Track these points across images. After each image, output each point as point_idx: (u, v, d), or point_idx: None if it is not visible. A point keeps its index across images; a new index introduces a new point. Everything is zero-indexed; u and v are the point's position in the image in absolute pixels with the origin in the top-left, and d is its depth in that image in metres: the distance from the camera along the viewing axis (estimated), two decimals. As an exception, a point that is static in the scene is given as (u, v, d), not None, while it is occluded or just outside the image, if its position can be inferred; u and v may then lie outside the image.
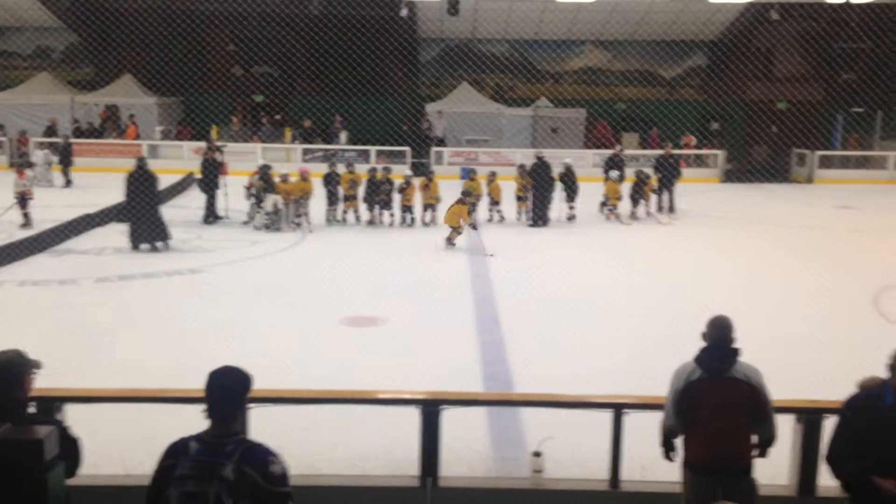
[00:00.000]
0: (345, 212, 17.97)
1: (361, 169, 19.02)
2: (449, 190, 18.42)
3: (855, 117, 28.73)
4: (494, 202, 18.40)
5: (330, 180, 17.88)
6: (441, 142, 28.04)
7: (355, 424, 6.65)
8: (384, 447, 6.28)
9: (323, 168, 18.91)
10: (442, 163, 26.36)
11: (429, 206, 17.88)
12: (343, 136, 28.08)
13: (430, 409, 5.20)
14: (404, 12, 26.12)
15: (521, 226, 18.03)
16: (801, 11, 27.01)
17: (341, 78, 28.87)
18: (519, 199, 18.48)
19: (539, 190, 17.93)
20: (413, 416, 5.25)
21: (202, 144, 20.68)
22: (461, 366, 8.71)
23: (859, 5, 25.85)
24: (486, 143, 28.11)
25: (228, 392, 3.36)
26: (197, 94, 29.00)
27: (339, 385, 6.79)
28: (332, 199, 17.82)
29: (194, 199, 19.11)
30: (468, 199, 16.18)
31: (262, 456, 3.28)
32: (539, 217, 17.92)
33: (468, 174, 19.09)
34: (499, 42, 30.85)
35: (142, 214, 14.57)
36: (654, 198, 19.41)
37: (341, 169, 18.29)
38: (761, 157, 30.11)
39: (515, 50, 31.14)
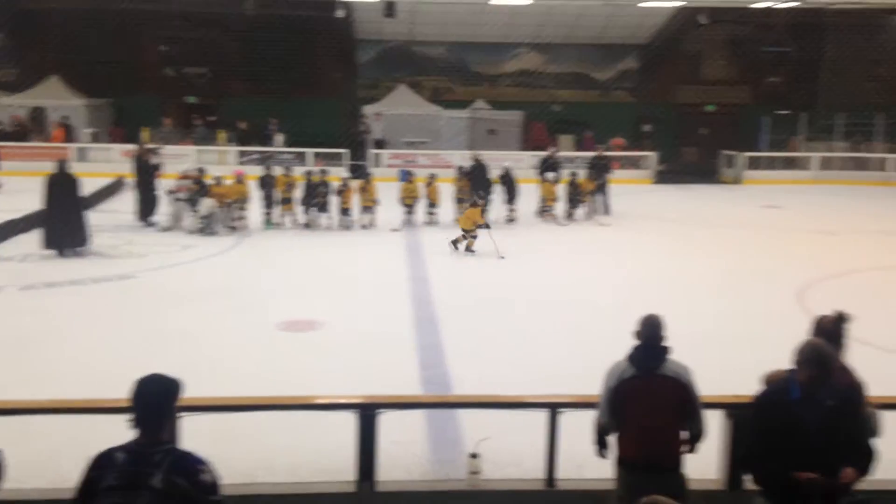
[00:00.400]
0: (282, 215, 17.78)
1: (299, 171, 18.85)
2: (387, 192, 18.42)
3: (780, 119, 29.65)
4: (432, 204, 18.43)
5: (266, 183, 17.67)
6: (379, 144, 27.96)
7: (293, 430, 6.58)
8: (321, 453, 6.23)
9: (259, 171, 18.68)
10: (380, 165, 26.29)
11: (367, 208, 17.82)
12: (279, 138, 27.76)
13: (367, 413, 5.18)
14: (340, 13, 25.98)
15: (458, 227, 18.06)
16: (728, 16, 27.77)
17: (277, 79, 28.56)
18: (458, 201, 18.55)
19: (477, 192, 18.01)
20: (351, 420, 5.23)
21: (133, 147, 20.20)
22: (399, 369, 8.71)
23: (783, 10, 26.71)
24: (424, 146, 28.13)
25: (155, 400, 3.30)
26: (127, 96, 28.33)
27: (276, 391, 6.71)
28: (268, 203, 17.61)
29: (124, 204, 18.66)
30: (480, 202, 16.16)
31: (192, 464, 3.23)
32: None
33: (406, 176, 19.09)
34: (436, 44, 30.93)
35: (59, 218, 14.12)
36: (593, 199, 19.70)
37: (277, 171, 18.10)
38: (692, 159, 30.84)
39: (453, 52, 31.27)
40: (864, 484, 4.67)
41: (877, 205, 22.38)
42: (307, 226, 17.59)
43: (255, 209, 17.46)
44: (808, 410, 3.96)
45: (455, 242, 15.40)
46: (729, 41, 30.91)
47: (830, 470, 3.91)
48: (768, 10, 26.66)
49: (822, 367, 3.99)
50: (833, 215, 20.54)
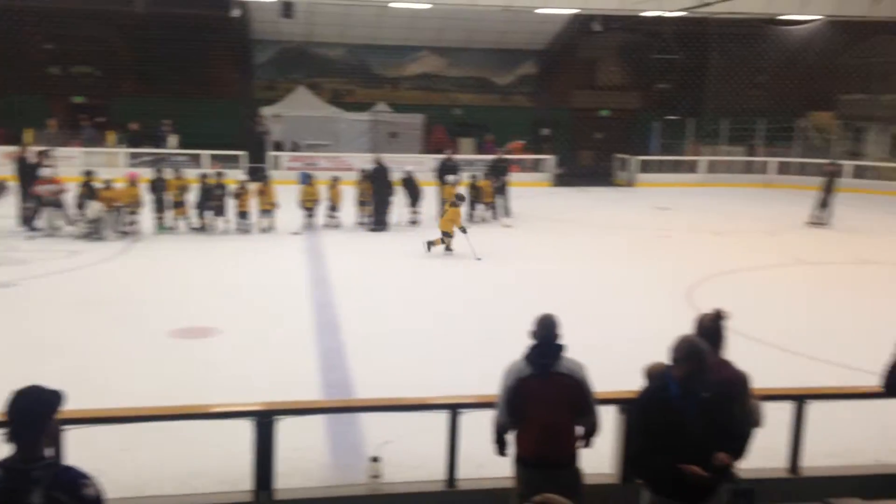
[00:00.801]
0: (175, 219, 17.23)
1: (194, 174, 18.33)
2: (287, 195, 18.12)
3: (670, 124, 30.82)
4: (333, 207, 18.26)
5: (156, 186, 17.09)
6: (278, 146, 27.51)
7: (187, 441, 6.38)
8: (218, 463, 6.06)
9: (150, 173, 18.05)
10: (280, 167, 25.86)
11: (266, 211, 17.48)
12: (173, 139, 26.91)
13: (264, 421, 5.06)
14: (236, 13, 25.42)
15: (360, 230, 17.98)
16: (620, 24, 28.66)
17: (170, 79, 27.70)
18: (360, 203, 18.43)
19: (379, 195, 17.97)
20: (248, 429, 5.10)
21: (15, 149, 19.17)
22: (300, 374, 8.57)
23: (671, 19, 27.76)
24: (324, 148, 27.85)
25: (32, 413, 3.12)
26: (11, 96, 26.89)
27: (169, 401, 6.49)
28: (159, 206, 17.03)
29: (6, 208, 17.68)
30: (460, 203, 16.00)
31: (73, 479, 3.07)
32: (379, 222, 17.95)
33: (306, 179, 18.84)
34: (336, 46, 30.68)
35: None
36: (487, 202, 19.93)
37: (169, 174, 17.54)
38: (588, 162, 31.67)
39: (353, 54, 31.09)
40: (748, 473, 4.90)
41: (759, 206, 23.52)
42: (202, 230, 17.11)
43: (146, 213, 16.86)
44: (686, 405, 4.10)
45: (430, 243, 15.44)
46: (621, 48, 31.92)
47: (710, 461, 4.06)
48: (658, 19, 27.67)
49: (697, 362, 4.12)
50: (720, 216, 21.45)
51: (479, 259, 14.93)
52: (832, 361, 9.12)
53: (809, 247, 16.98)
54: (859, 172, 28.42)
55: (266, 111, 28.34)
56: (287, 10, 24.59)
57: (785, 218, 20.71)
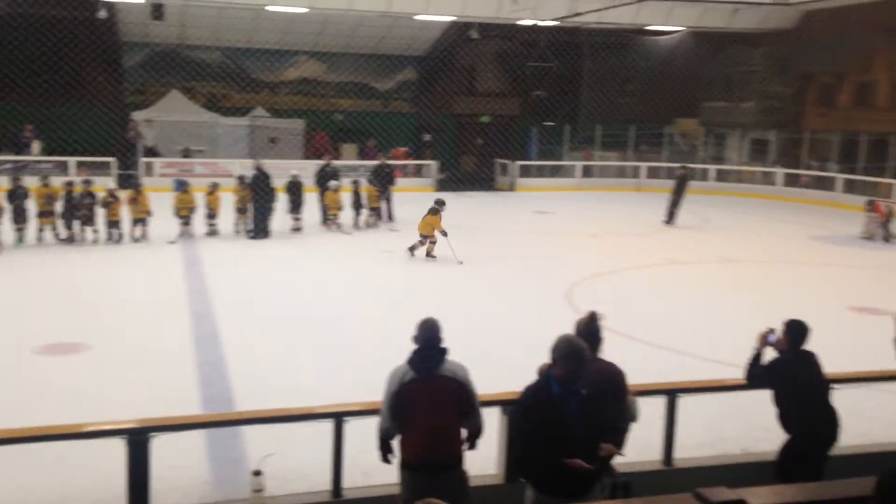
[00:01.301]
0: (40, 229, 16.28)
1: (59, 182, 17.35)
2: (161, 203, 17.45)
3: (547, 130, 31.66)
4: (211, 214, 17.73)
5: (15, 196, 16.07)
6: (152, 152, 26.47)
7: (56, 463, 6.03)
8: (90, 485, 5.76)
9: (7, 182, 16.98)
10: (153, 174, 24.89)
11: (139, 220, 16.78)
12: (36, 146, 25.44)
13: (138, 438, 4.84)
14: (102, 14, 24.32)
15: (240, 238, 17.54)
16: (498, 31, 29.24)
17: (32, 83, 26.15)
18: (238, 210, 17.97)
19: (259, 201, 17.57)
20: (121, 447, 4.86)
21: None
22: (177, 389, 8.25)
23: (546, 28, 28.55)
24: (201, 154, 27.01)
25: None
26: None
27: (35, 421, 6.10)
28: (18, 217, 16.00)
29: None
30: (442, 209, 15.90)
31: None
32: (260, 229, 17.56)
33: (181, 186, 18.20)
34: (210, 49, 29.84)
35: None
36: (373, 207, 19.88)
37: (32, 182, 16.54)
38: (470, 167, 32.10)
39: (229, 58, 30.32)
40: (625, 466, 5.07)
41: (632, 209, 24.48)
42: (70, 241, 16.25)
43: (6, 224, 15.85)
44: (567, 403, 4.21)
45: (412, 249, 15.72)
46: (499, 56, 32.56)
47: (592, 455, 4.18)
48: (533, 28, 28.40)
49: (576, 361, 4.23)
50: (595, 219, 22.19)
51: (461, 262, 15.07)
52: (701, 356, 9.57)
53: (679, 247, 17.80)
54: (722, 176, 30.08)
55: (137, 116, 27.24)
56: (157, 12, 23.78)
57: (656, 220, 21.63)
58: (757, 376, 5.51)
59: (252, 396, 7.96)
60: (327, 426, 5.27)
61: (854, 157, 27.38)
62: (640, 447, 5.51)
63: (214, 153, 27.23)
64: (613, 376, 4.79)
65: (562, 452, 4.10)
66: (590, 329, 4.83)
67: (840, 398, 5.88)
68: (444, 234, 15.48)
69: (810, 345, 5.64)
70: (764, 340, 5.45)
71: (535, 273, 14.73)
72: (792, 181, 28.17)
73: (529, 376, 6.78)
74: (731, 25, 29.21)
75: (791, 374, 5.31)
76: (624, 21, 27.99)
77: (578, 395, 4.24)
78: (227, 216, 17.83)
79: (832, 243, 19.14)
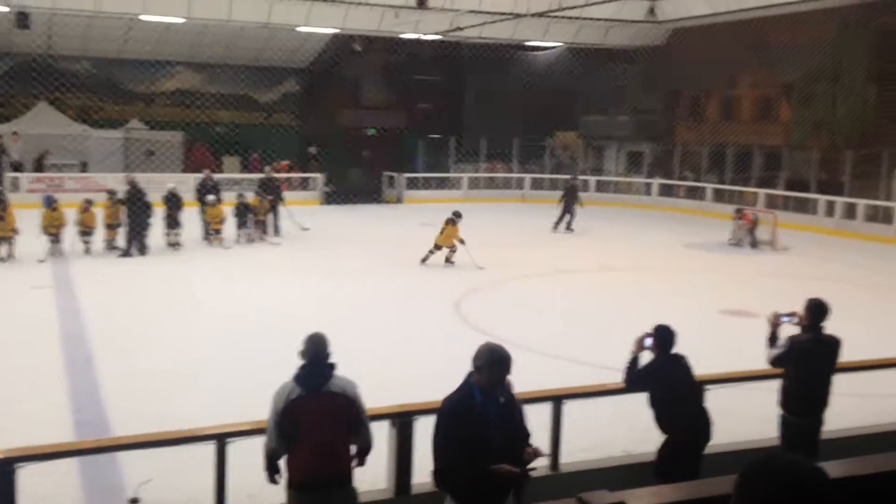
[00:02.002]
0: None
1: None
2: (28, 220, 16.48)
3: (433, 143, 31.92)
4: (86, 231, 16.87)
5: None
6: (18, 167, 25.02)
7: None
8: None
9: None
10: (20, 190, 23.50)
11: (4, 239, 15.78)
12: None
13: (3, 469, 4.53)
14: (-39, 21, 22.88)
15: (112, 256, 16.77)
16: (381, 45, 29.30)
17: None
18: (109, 227, 17.18)
19: (134, 217, 16.86)
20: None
21: None
22: (47, 416, 7.78)
23: (429, 42, 28.83)
24: (72, 168, 25.73)
25: None
26: None
27: None
28: None
29: None
30: (459, 220, 16.66)
31: None
32: (134, 247, 16.83)
33: (50, 202, 17.24)
34: (80, 59, 28.51)
35: None
36: (259, 220, 19.49)
37: None
38: (356, 180, 31.94)
39: (101, 68, 29.06)
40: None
41: (517, 220, 24.97)
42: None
43: None
44: (490, 411, 4.22)
45: (425, 258, 16.42)
46: (384, 68, 32.61)
47: (515, 461, 4.20)
48: (416, 41, 28.62)
49: (502, 368, 4.24)
50: (483, 230, 22.45)
51: (482, 268, 15.80)
52: (585, 362, 9.82)
53: (562, 257, 18.26)
54: (601, 187, 31.14)
55: (1, 129, 25.70)
56: (22, 21, 22.54)
57: (541, 231, 22.12)
58: (634, 379, 5.71)
59: (129, 421, 7.59)
60: (209, 448, 5.09)
61: (722, 167, 28.91)
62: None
63: (87, 167, 26.01)
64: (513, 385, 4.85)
65: (486, 460, 4.09)
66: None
67: (713, 398, 6.16)
68: (462, 242, 16.41)
69: (685, 347, 5.88)
70: (640, 345, 5.65)
71: (424, 285, 14.78)
72: (666, 191, 29.46)
73: (420, 389, 6.77)
74: (605, 42, 30.35)
75: (663, 377, 5.53)
76: (503, 36, 28.62)
77: (498, 404, 4.26)
78: (101, 233, 17.04)
79: (704, 250, 20.11)
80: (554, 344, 10.85)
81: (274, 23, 26.09)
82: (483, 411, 4.19)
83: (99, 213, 17.24)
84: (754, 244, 20.38)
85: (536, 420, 5.54)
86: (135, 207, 16.85)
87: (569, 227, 22.01)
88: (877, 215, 22.79)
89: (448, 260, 16.53)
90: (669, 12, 28.55)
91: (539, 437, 5.80)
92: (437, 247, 16.55)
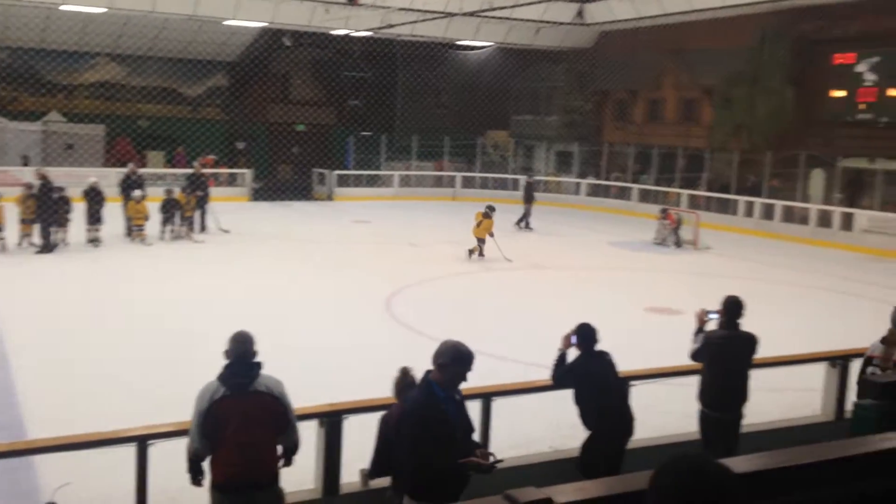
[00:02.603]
0: None
1: None
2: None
3: (364, 140, 31.76)
4: (-2, 227, 16.21)
5: None
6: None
7: None
8: None
9: None
10: (-72, 184, 22.43)
11: None
12: None
13: None
14: None
15: (27, 253, 16.16)
16: (311, 40, 29.01)
17: None
18: (23, 222, 16.54)
19: (44, 213, 16.25)
20: None
21: None
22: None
23: (359, 38, 28.67)
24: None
25: None
26: None
27: None
28: None
29: None
30: (493, 214, 17.63)
31: None
32: (47, 243, 16.21)
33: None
34: (-4, 48, 27.41)
35: None
36: (186, 216, 19.08)
37: None
38: (286, 177, 31.55)
39: (17, 58, 27.94)
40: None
41: (449, 217, 25.02)
42: None
43: None
44: (451, 406, 4.30)
45: (471, 252, 17.55)
46: (313, 64, 32.29)
47: (468, 454, 4.25)
48: (347, 38, 28.42)
49: (465, 366, 4.30)
50: (414, 228, 22.50)
51: (510, 260, 16.82)
52: (514, 359, 9.91)
53: (494, 255, 18.39)
54: (530, 186, 31.49)
55: None
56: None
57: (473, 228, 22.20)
58: (560, 377, 5.79)
59: (46, 423, 7.32)
60: (131, 450, 4.96)
61: (648, 168, 29.58)
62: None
63: (3, 160, 25.01)
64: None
65: (453, 455, 4.15)
66: (406, 383, 4.87)
67: (637, 394, 6.29)
68: (492, 235, 17.42)
69: (611, 344, 5.99)
70: (567, 342, 5.73)
71: (354, 282, 14.68)
72: (594, 191, 29.97)
73: (350, 387, 6.74)
74: (534, 43, 30.71)
75: (587, 374, 5.62)
76: (435, 34, 28.67)
77: (455, 400, 4.35)
78: (13, 228, 16.40)
79: (630, 249, 20.54)
80: (483, 341, 10.87)
81: (200, 15, 25.54)
82: (447, 408, 4.27)
83: (14, 209, 16.59)
84: (678, 243, 20.91)
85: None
86: (45, 203, 16.25)
87: (527, 225, 22.74)
88: (793, 216, 23.67)
89: (478, 252, 17.52)
90: (597, 15, 29.07)
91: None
92: (480, 240, 17.64)
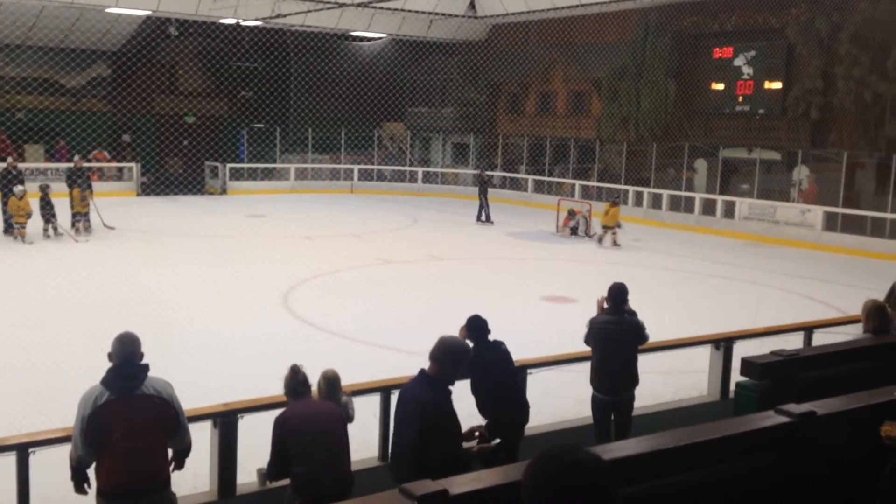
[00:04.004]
0: None
1: None
2: None
3: (258, 132, 31.08)
4: None
5: None
6: None
7: None
8: None
9: None
10: None
11: None
12: None
13: None
14: None
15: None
16: (198, 29, 28.11)
17: None
18: None
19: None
20: None
21: None
22: None
23: (249, 28, 28.00)
24: None
25: None
26: None
27: None
28: None
29: None
30: (618, 201, 20.08)
31: None
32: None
33: None
34: None
35: None
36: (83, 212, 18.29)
37: None
38: (176, 170, 30.54)
39: None
40: (354, 465, 5.05)
41: (347, 211, 24.86)
42: None
43: None
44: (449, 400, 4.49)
45: (600, 239, 19.60)
46: (201, 54, 31.32)
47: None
48: (236, 27, 27.71)
49: (462, 364, 4.50)
50: (311, 222, 22.20)
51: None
52: (413, 352, 9.91)
53: (391, 248, 18.37)
54: (428, 178, 31.62)
55: None
56: None
57: (370, 222, 22.13)
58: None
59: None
60: (10, 459, 4.70)
61: (542, 159, 30.17)
62: (357, 446, 5.57)
63: None
64: (337, 412, 4.92)
65: (458, 443, 4.49)
66: (297, 381, 4.79)
67: (535, 381, 6.41)
68: (619, 225, 19.40)
69: (511, 333, 6.08)
70: (464, 333, 5.77)
71: (251, 278, 14.35)
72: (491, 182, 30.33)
73: (245, 384, 6.58)
74: (428, 35, 30.78)
75: (482, 364, 5.68)
76: (328, 25, 28.32)
77: (449, 392, 4.51)
78: None
79: (526, 239, 20.91)
80: (381, 334, 10.89)
81: (81, 3, 24.37)
82: (448, 400, 4.44)
83: None
84: (574, 233, 21.42)
85: (364, 412, 5.56)
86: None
87: (486, 219, 22.90)
88: (679, 205, 24.65)
89: (610, 241, 19.31)
90: (488, 8, 29.37)
91: (368, 429, 5.82)
92: (606, 228, 19.46)
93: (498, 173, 30.42)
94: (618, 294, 6.30)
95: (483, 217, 23.06)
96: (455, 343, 4.52)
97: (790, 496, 3.35)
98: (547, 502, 1.86)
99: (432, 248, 18.53)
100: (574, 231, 21.45)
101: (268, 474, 4.91)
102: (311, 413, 4.73)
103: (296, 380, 4.80)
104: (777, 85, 23.29)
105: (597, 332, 6.31)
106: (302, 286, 13.88)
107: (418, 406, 4.32)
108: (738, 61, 24.12)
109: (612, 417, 6.39)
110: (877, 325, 5.64)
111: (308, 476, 4.55)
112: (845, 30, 21.05)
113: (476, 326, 5.68)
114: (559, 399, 7.45)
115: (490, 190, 24.36)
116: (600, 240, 19.80)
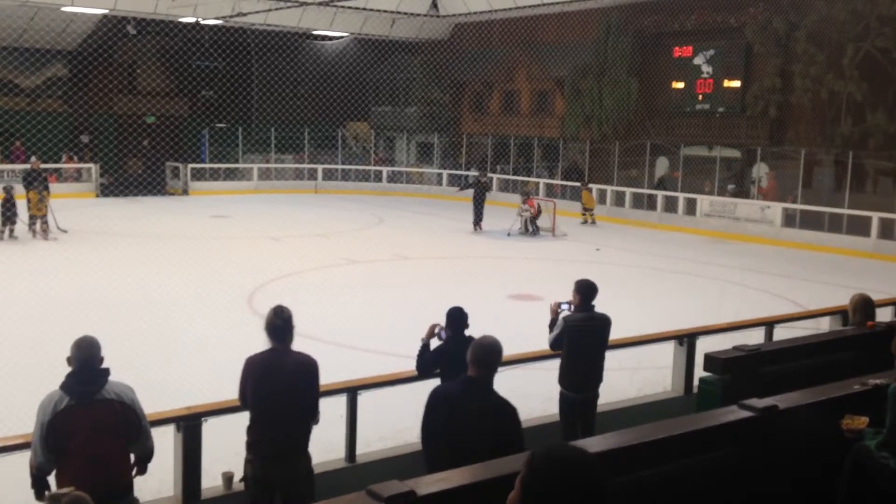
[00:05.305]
0: None
1: None
2: None
3: (220, 132, 30.74)
4: None
5: None
6: None
7: None
8: None
9: None
10: None
11: None
12: None
13: None
14: None
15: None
16: (158, 28, 27.74)
17: None
18: None
19: None
20: None
21: None
22: None
23: (209, 27, 27.68)
24: None
25: None
26: None
27: None
28: None
29: None
30: (588, 185, 22.82)
31: None
32: None
33: None
34: None
35: None
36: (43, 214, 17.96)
37: None
38: (137, 171, 30.10)
39: None
40: (316, 467, 5.00)
41: (312, 211, 24.70)
42: None
43: None
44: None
45: (585, 221, 22.77)
46: (161, 53, 30.91)
47: None
48: (196, 26, 27.37)
49: (493, 355, 4.45)
50: (276, 222, 22.00)
51: (598, 250, 18.75)
52: (380, 351, 9.90)
53: (356, 247, 18.29)
54: (393, 177, 31.56)
55: None
56: None
57: (335, 222, 22.00)
58: (426, 365, 5.78)
59: None
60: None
61: (506, 158, 30.26)
62: (323, 447, 5.53)
63: None
64: (310, 366, 4.86)
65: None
66: (276, 323, 4.80)
67: (500, 379, 6.40)
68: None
69: (475, 332, 6.05)
70: (432, 332, 5.75)
71: (215, 279, 14.18)
72: (454, 181, 30.33)
73: (208, 386, 6.50)
74: (391, 34, 30.71)
75: (458, 358, 5.65)
76: (289, 24, 28.13)
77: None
78: None
79: (491, 237, 20.95)
80: (347, 334, 10.84)
81: (35, 1, 23.89)
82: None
83: None
84: (536, 231, 21.52)
85: (331, 413, 5.51)
86: None
87: (476, 224, 21.81)
88: (642, 202, 24.89)
89: (591, 221, 22.81)
90: (451, 7, 29.40)
91: (335, 430, 5.78)
92: (587, 210, 23.02)
93: (464, 172, 30.46)
94: (588, 290, 6.31)
95: (479, 227, 21.81)
96: (483, 342, 4.52)
97: (754, 490, 3.39)
98: (552, 500, 1.89)
99: (398, 247, 18.49)
100: (533, 224, 21.47)
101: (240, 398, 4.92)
102: (276, 366, 4.70)
103: (275, 321, 4.78)
104: (736, 83, 23.64)
105: (573, 331, 6.30)
106: (267, 287, 13.75)
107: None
108: (698, 60, 24.44)
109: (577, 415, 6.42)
110: (863, 317, 5.98)
111: (259, 436, 4.65)
112: (802, 29, 21.43)
113: (457, 317, 5.67)
114: (524, 397, 7.45)
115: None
116: (585, 222, 22.97)
